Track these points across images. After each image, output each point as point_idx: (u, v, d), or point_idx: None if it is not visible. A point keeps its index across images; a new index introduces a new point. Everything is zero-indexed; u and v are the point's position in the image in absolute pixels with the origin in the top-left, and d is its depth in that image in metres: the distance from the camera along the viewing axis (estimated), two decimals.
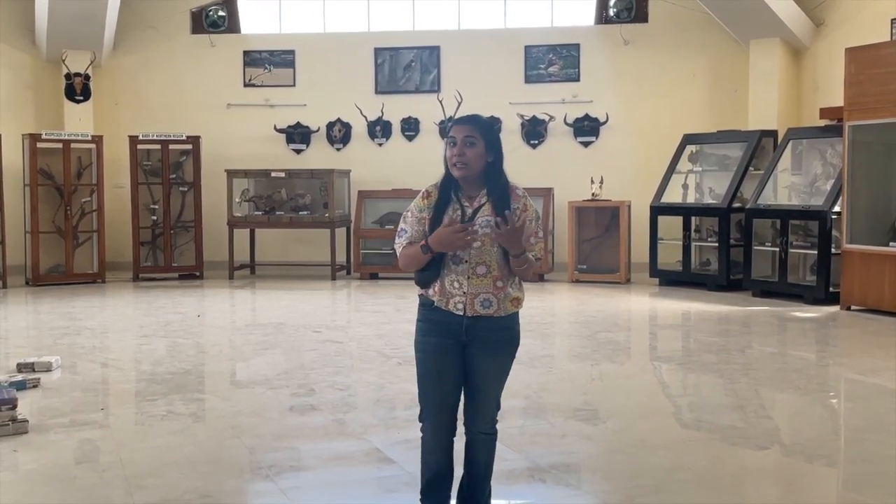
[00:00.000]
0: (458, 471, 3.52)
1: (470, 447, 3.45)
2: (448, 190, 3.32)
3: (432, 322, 3.31)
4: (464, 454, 3.47)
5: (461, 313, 3.26)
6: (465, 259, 3.24)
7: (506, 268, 3.26)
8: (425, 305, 3.35)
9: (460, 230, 3.14)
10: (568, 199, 11.51)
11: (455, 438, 3.42)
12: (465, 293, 3.25)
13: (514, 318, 3.35)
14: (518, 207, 3.26)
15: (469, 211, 3.28)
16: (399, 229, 3.39)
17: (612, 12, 12.31)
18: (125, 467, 4.29)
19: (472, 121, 3.34)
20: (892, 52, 8.72)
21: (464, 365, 3.31)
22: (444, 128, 12.38)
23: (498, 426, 3.45)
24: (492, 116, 11.97)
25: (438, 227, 3.23)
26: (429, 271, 3.28)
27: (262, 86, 12.70)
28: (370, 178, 12.31)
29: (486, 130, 3.31)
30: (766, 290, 10.01)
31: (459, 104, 11.91)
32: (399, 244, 3.36)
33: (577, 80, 12.33)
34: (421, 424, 3.42)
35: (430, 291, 3.30)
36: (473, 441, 3.42)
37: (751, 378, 6.21)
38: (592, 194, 11.38)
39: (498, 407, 3.44)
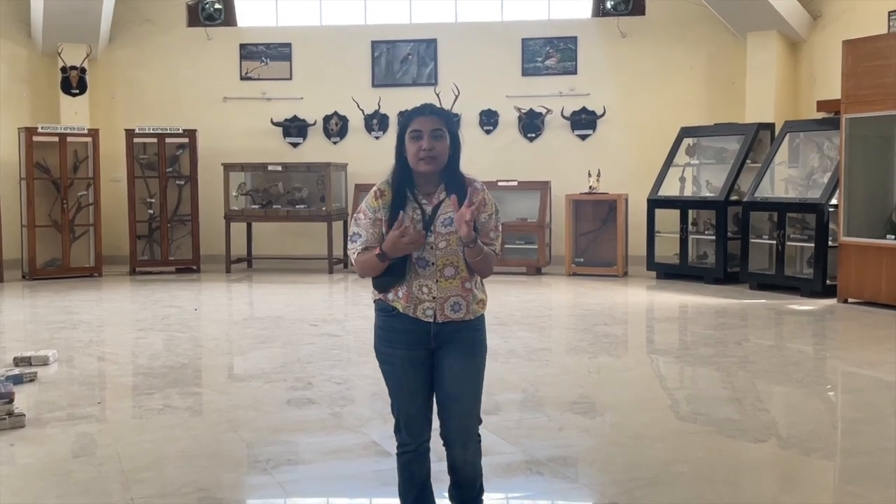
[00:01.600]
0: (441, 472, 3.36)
1: (454, 469, 3.20)
2: (402, 188, 3.05)
3: (396, 331, 3.07)
4: (448, 472, 3.23)
5: (430, 320, 3.04)
6: (433, 261, 3.03)
7: (471, 268, 3.06)
8: (385, 311, 3.09)
9: (402, 234, 2.89)
10: (565, 192, 11.51)
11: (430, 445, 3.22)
12: (434, 298, 3.03)
13: (481, 320, 3.15)
14: (476, 202, 3.02)
15: (429, 209, 3.04)
16: (351, 233, 3.10)
17: (609, 5, 12.27)
18: (122, 461, 4.28)
19: (438, 112, 3.09)
20: (890, 44, 8.71)
21: (433, 373, 3.10)
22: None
23: (492, 422, 3.28)
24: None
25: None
26: (391, 276, 3.03)
27: (258, 79, 12.67)
28: (367, 171, 12.26)
29: (449, 122, 3.08)
30: (763, 283, 10.01)
31: (456, 97, 11.89)
32: (354, 250, 3.08)
33: (575, 73, 12.31)
34: (397, 437, 3.18)
35: (391, 297, 3.06)
36: (457, 462, 3.18)
37: (748, 371, 6.21)
38: (590, 187, 11.38)
39: (479, 422, 3.19)
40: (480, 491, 3.29)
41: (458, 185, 3.06)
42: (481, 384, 3.19)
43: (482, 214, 3.08)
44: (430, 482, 3.25)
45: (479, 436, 3.23)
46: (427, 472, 3.23)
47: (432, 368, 3.10)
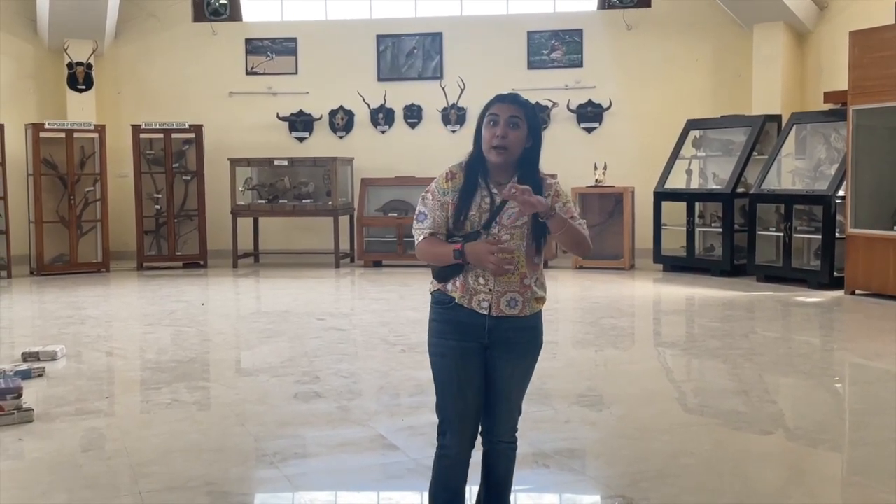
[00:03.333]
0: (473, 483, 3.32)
1: (489, 458, 3.15)
2: (475, 173, 2.96)
3: (450, 323, 2.98)
4: (481, 466, 3.17)
5: (485, 312, 2.94)
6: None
7: (532, 265, 2.98)
8: (441, 304, 3.01)
9: (496, 250, 2.83)
10: (571, 185, 11.47)
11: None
12: (490, 290, 2.94)
13: (538, 317, 3.05)
14: (549, 195, 2.97)
15: (498, 199, 2.93)
16: (417, 212, 3.02)
17: None
18: (130, 455, 4.30)
19: (518, 100, 2.97)
20: None
21: (485, 369, 3.01)
22: (447, 114, 12.37)
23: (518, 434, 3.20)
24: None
25: (464, 213, 2.93)
26: (453, 266, 2.94)
27: (264, 74, 12.69)
28: (373, 165, 12.30)
29: (530, 113, 2.97)
30: (770, 275, 10.00)
31: (462, 91, 11.88)
32: (420, 230, 3.00)
33: (580, 65, 12.29)
34: (439, 438, 3.07)
35: (450, 287, 2.98)
36: (493, 451, 3.13)
37: (755, 363, 6.21)
38: (596, 180, 11.36)
39: (520, 413, 3.15)
40: None
41: (533, 180, 2.95)
42: (529, 380, 3.14)
43: (556, 203, 2.97)
44: (464, 490, 3.14)
45: (517, 429, 3.16)
46: (463, 482, 3.12)
47: (485, 365, 3.01)
